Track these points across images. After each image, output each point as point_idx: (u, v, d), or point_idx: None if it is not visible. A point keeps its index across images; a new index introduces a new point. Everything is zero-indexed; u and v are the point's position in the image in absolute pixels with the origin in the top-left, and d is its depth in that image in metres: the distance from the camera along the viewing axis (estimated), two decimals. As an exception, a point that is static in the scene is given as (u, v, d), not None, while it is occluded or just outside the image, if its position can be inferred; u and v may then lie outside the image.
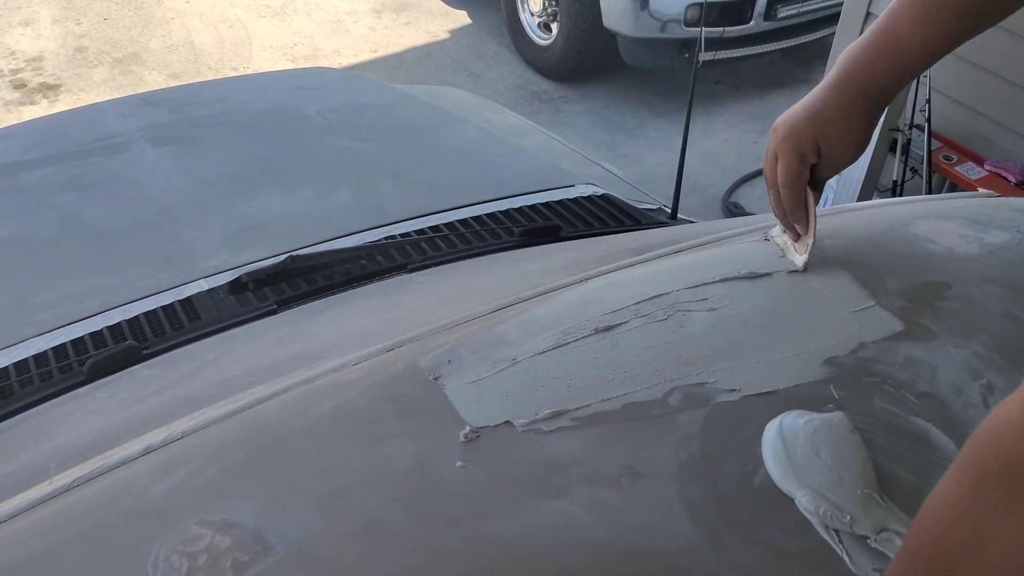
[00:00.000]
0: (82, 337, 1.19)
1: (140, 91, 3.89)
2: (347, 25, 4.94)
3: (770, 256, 0.88)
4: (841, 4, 3.03)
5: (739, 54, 3.91)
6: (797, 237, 0.86)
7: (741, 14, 3.81)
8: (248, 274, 1.26)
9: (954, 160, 2.79)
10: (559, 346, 0.75)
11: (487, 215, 1.46)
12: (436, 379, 0.72)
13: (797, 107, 0.84)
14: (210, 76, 4.36)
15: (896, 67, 0.80)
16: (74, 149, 1.72)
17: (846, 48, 0.83)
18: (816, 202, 0.85)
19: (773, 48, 3.98)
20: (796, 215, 0.84)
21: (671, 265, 0.90)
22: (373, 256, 1.32)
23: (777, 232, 0.90)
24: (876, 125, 0.84)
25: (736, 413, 0.67)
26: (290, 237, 1.37)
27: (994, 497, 0.39)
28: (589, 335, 0.76)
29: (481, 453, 0.65)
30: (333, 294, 1.23)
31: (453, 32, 4.89)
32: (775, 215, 0.88)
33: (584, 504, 0.60)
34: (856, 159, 0.84)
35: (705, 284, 0.83)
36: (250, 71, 4.41)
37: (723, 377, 0.71)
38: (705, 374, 0.71)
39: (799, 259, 0.85)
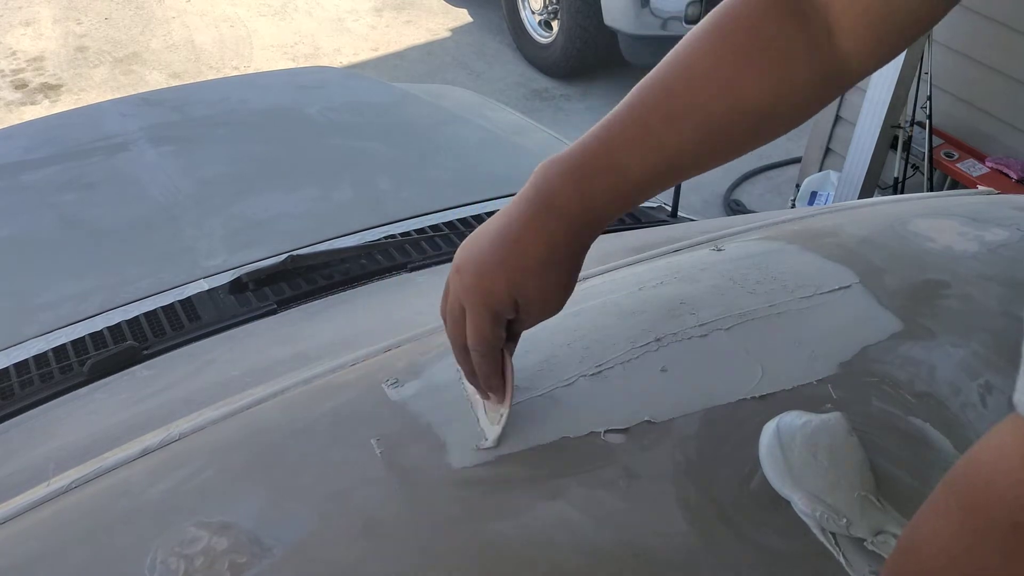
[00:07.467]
0: (82, 337, 1.19)
1: (141, 91, 3.90)
2: (348, 24, 4.94)
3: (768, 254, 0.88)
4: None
5: (740, 51, 3.90)
6: (489, 398, 0.68)
7: (742, 11, 3.80)
8: (248, 274, 1.26)
9: (955, 157, 2.79)
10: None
11: (487, 214, 1.46)
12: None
13: (485, 239, 0.64)
14: (211, 75, 4.36)
15: (616, 194, 0.63)
16: (75, 149, 1.72)
17: (545, 162, 0.64)
18: (511, 355, 0.68)
19: (774, 45, 3.97)
20: (492, 383, 0.66)
21: (671, 264, 0.90)
22: (373, 255, 1.32)
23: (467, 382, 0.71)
24: (582, 262, 0.64)
25: (733, 414, 0.67)
26: (290, 237, 1.38)
27: (1004, 551, 0.39)
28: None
29: (479, 455, 0.65)
30: (333, 294, 1.23)
31: (454, 30, 4.89)
32: (465, 376, 0.69)
33: (581, 506, 0.60)
34: (561, 308, 0.65)
35: (700, 284, 0.82)
36: (251, 70, 4.42)
37: (721, 378, 0.71)
38: (702, 375, 0.71)
39: (491, 431, 0.67)
